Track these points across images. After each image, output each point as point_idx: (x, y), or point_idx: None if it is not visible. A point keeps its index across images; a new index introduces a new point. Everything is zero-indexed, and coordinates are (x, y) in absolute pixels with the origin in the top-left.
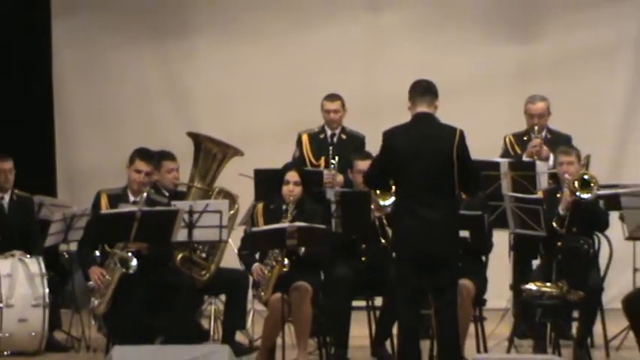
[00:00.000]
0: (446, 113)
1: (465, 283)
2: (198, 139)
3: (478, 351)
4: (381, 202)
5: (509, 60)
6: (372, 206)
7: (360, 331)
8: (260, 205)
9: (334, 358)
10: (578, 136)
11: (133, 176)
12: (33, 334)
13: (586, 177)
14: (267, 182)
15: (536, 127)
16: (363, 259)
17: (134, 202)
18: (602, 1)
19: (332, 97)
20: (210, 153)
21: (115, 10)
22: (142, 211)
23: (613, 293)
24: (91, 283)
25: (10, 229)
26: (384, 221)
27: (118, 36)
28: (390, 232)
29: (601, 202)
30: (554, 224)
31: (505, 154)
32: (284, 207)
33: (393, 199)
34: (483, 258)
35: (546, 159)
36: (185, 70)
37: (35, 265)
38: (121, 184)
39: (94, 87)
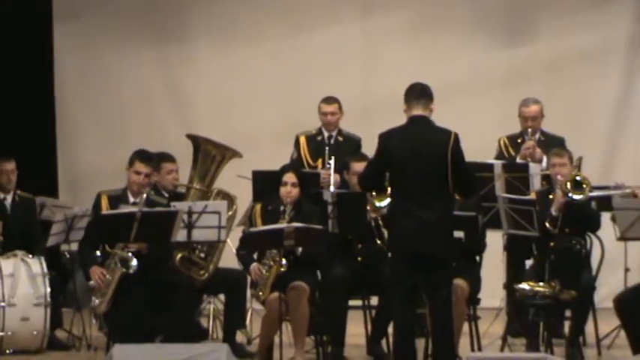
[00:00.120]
0: (440, 116)
1: (459, 282)
2: (197, 141)
3: (472, 349)
4: (377, 204)
5: (502, 64)
6: (368, 207)
7: (356, 330)
8: (258, 206)
9: (331, 356)
10: (569, 138)
11: (133, 177)
12: (35, 332)
13: (578, 178)
14: (265, 183)
15: (529, 130)
16: (359, 259)
17: (134, 203)
18: (592, 7)
19: (329, 99)
20: (209, 155)
21: (115, 14)
22: (142, 211)
23: (605, 293)
24: (91, 282)
25: (13, 230)
26: (380, 222)
27: (119, 39)
28: (385, 232)
29: (593, 203)
30: (547, 225)
31: (499, 155)
32: (282, 208)
33: (388, 200)
34: (477, 258)
35: (540, 161)
36: (185, 73)
37: (37, 265)
38: (121, 186)
39: (95, 90)
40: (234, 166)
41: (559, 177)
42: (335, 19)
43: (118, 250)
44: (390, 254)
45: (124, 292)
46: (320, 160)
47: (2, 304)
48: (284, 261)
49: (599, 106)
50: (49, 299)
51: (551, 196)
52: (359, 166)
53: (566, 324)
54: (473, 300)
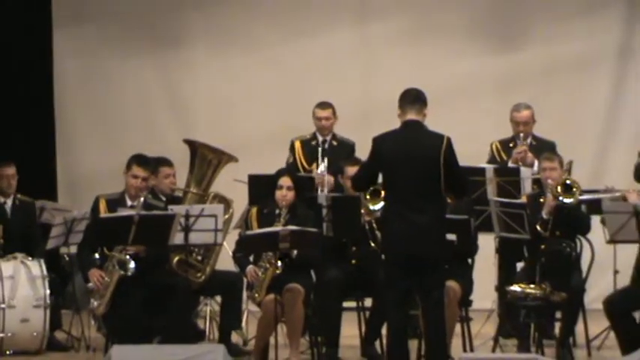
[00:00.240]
0: (435, 120)
1: (452, 284)
2: (194, 146)
3: (464, 350)
4: (371, 207)
5: (494, 69)
6: (362, 210)
7: (350, 331)
8: (254, 210)
9: (325, 357)
10: (560, 143)
11: (130, 181)
12: (34, 334)
13: (568, 182)
14: (261, 187)
15: (521, 134)
16: (354, 261)
17: (131, 207)
18: (582, 14)
19: (323, 104)
20: (206, 159)
21: (115, 19)
22: (140, 215)
23: (594, 294)
24: (90, 284)
25: (13, 233)
26: (374, 225)
27: (118, 44)
28: (379, 235)
29: (583, 207)
30: (538, 228)
31: (491, 160)
32: (277, 211)
33: (382, 203)
34: (469, 260)
35: (531, 165)
36: (183, 78)
37: (37, 268)
38: (119, 189)
39: (95, 95)
40: (231, 171)
41: (550, 181)
42: (332, 25)
43: (116, 253)
44: (383, 257)
45: (122, 294)
46: (314, 165)
47: (2, 305)
48: (279, 263)
49: (590, 112)
50: (48, 301)
51: (542, 200)
52: (353, 170)
53: (557, 325)
54: (465, 302)
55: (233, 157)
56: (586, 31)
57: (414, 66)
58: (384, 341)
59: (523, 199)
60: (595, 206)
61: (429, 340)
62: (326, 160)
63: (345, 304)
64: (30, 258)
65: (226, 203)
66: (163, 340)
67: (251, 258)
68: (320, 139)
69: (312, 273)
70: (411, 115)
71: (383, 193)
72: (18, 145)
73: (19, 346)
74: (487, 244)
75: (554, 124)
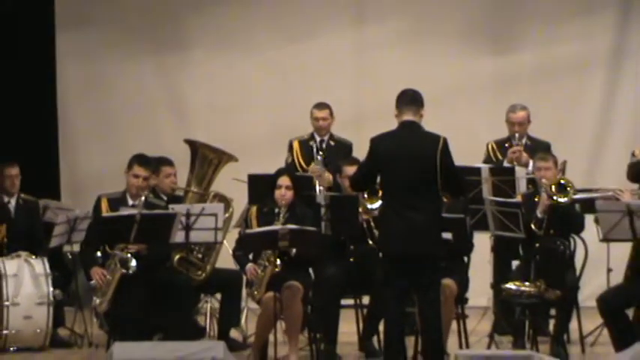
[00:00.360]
0: (431, 121)
1: (448, 282)
2: (194, 146)
3: (460, 347)
4: (369, 206)
5: (489, 71)
6: (360, 209)
7: (348, 328)
8: (253, 209)
9: (324, 353)
10: (554, 143)
11: (131, 181)
12: (38, 330)
13: (562, 182)
14: (261, 186)
15: (516, 135)
16: (352, 259)
17: (133, 206)
18: (576, 16)
19: (320, 105)
20: (206, 159)
21: (116, 24)
22: (142, 213)
23: (588, 292)
24: (93, 282)
25: (17, 232)
26: (372, 223)
27: (120, 48)
28: (377, 233)
29: (577, 206)
30: (533, 226)
31: (487, 159)
32: (276, 210)
33: (379, 202)
34: (465, 259)
35: (526, 165)
36: (183, 80)
37: (40, 266)
38: (121, 189)
39: (97, 97)
40: (231, 170)
41: (544, 180)
42: (328, 28)
43: (118, 251)
44: (381, 255)
45: (124, 291)
46: (312, 164)
47: (6, 303)
48: (278, 261)
49: (585, 113)
50: (51, 298)
51: (536, 199)
52: (351, 170)
53: (551, 322)
54: (461, 299)
55: (233, 156)
56: (581, 34)
57: (410, 68)
58: (382, 337)
59: (518, 199)
60: (589, 205)
61: (426, 337)
62: (321, 153)
63: (343, 301)
64: (33, 256)
65: (226, 202)
66: (164, 336)
67: (251, 256)
68: (318, 139)
69: (311, 271)
70: (408, 116)
71: (380, 192)
72: (22, 146)
73: (23, 343)
74: (482, 242)
75: (549, 124)
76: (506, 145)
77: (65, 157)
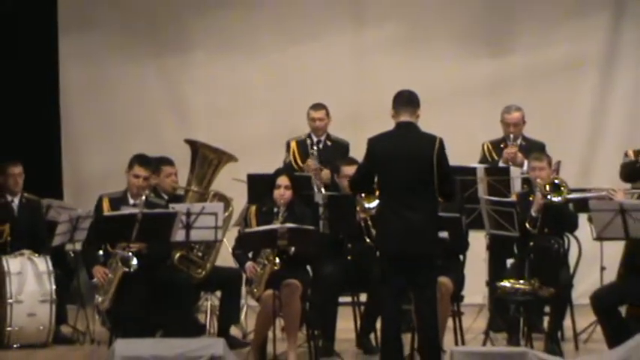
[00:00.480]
0: (427, 122)
1: (444, 280)
2: (195, 146)
3: (456, 344)
4: (366, 205)
5: (485, 73)
6: (358, 208)
7: (346, 325)
8: (253, 208)
9: (322, 349)
10: (549, 143)
11: (132, 181)
12: (41, 327)
13: (556, 181)
14: (260, 186)
15: (511, 135)
16: (349, 257)
17: (134, 205)
18: (569, 19)
19: (317, 106)
20: (207, 159)
21: (118, 27)
22: (143, 213)
23: (582, 290)
24: (94, 280)
25: (20, 230)
26: (369, 222)
27: (122, 50)
28: (374, 232)
29: (570, 205)
30: (527, 225)
31: (483, 159)
32: (275, 209)
33: (377, 201)
34: (461, 257)
35: (521, 165)
36: (184, 81)
37: (43, 264)
38: (123, 189)
39: (99, 97)
40: (231, 170)
41: (538, 180)
42: (327, 31)
43: (120, 250)
44: (378, 253)
45: (125, 289)
46: (308, 161)
47: (10, 300)
48: (277, 260)
49: (578, 114)
50: (54, 296)
51: (531, 198)
52: (349, 170)
53: (545, 319)
54: (457, 297)
55: (233, 156)
56: (573, 36)
57: (408, 70)
58: (379, 334)
59: (513, 198)
60: (582, 204)
61: (422, 334)
62: (315, 147)
63: (341, 299)
64: (36, 255)
65: (226, 201)
66: (165, 333)
67: (250, 254)
68: (315, 139)
69: (309, 269)
70: (405, 117)
71: (377, 191)
72: (25, 146)
73: (26, 340)
74: (478, 241)
75: (544, 125)
76: (502, 145)
77: (68, 157)
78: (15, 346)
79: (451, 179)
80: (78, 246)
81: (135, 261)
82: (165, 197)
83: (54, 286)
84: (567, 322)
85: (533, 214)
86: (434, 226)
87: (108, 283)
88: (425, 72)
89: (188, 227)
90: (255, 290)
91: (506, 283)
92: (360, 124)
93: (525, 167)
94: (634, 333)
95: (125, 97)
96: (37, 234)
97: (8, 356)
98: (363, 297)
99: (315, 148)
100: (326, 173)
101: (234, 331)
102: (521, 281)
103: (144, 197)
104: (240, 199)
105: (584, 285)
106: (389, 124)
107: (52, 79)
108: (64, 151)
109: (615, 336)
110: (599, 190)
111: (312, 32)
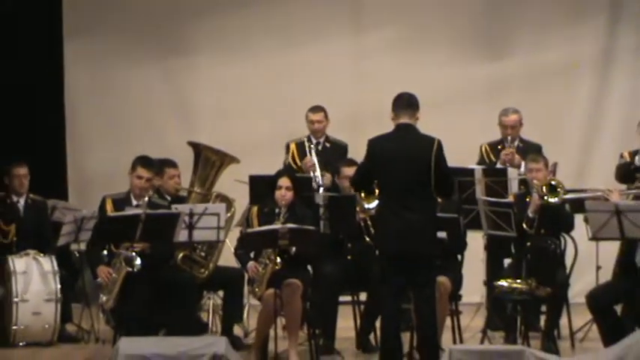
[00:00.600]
0: (426, 124)
1: (443, 279)
2: (198, 148)
3: (454, 342)
4: (366, 205)
5: (482, 76)
6: (357, 209)
7: (346, 324)
8: (254, 208)
9: (322, 348)
10: (545, 145)
11: (135, 182)
12: (46, 326)
13: (553, 182)
14: (261, 187)
15: (509, 137)
16: (349, 257)
17: (137, 206)
18: (565, 23)
19: (315, 108)
20: (209, 161)
21: (122, 30)
22: (147, 213)
23: (578, 289)
24: (99, 280)
25: (25, 231)
26: (369, 222)
27: (126, 53)
28: (373, 232)
29: (567, 206)
30: (524, 226)
31: (481, 161)
32: (277, 210)
33: (376, 202)
34: (459, 257)
35: (518, 166)
36: (187, 84)
37: (48, 264)
38: (125, 190)
39: (104, 100)
40: (233, 171)
41: (535, 181)
42: (327, 35)
43: (123, 250)
44: (378, 253)
45: (129, 289)
46: (306, 158)
47: (16, 299)
48: (279, 260)
49: (574, 116)
50: (59, 295)
51: (528, 199)
52: (349, 171)
53: (542, 318)
54: (455, 296)
55: (235, 158)
56: (570, 40)
57: (406, 73)
58: (379, 333)
59: (510, 199)
60: (578, 205)
61: (421, 333)
62: (312, 146)
63: (341, 298)
64: (42, 254)
65: (228, 202)
66: (168, 332)
67: (252, 254)
68: (314, 141)
69: (310, 268)
70: (404, 119)
71: (377, 192)
72: (31, 147)
73: (32, 338)
74: (476, 241)
75: (541, 127)
76: (499, 147)
77: (73, 159)
78: (21, 344)
79: (450, 180)
80: (83, 246)
81: (138, 261)
82: (169, 198)
83: (59, 286)
84: (564, 321)
85: (530, 214)
86: (432, 226)
87: (112, 283)
88: (423, 74)
89: (191, 228)
90: (256, 290)
91: (503, 283)
92: (360, 126)
93: (522, 169)
94: (629, 331)
95: (129, 99)
96: (42, 234)
97: (14, 354)
98: (363, 296)
99: (312, 146)
100: (327, 177)
101: (236, 329)
102: (519, 281)
103: (147, 198)
104: (242, 200)
105: (580, 284)
106: (388, 126)
107: (58, 81)
108: (69, 152)
109: (611, 334)
110: (595, 191)
111: (312, 35)
